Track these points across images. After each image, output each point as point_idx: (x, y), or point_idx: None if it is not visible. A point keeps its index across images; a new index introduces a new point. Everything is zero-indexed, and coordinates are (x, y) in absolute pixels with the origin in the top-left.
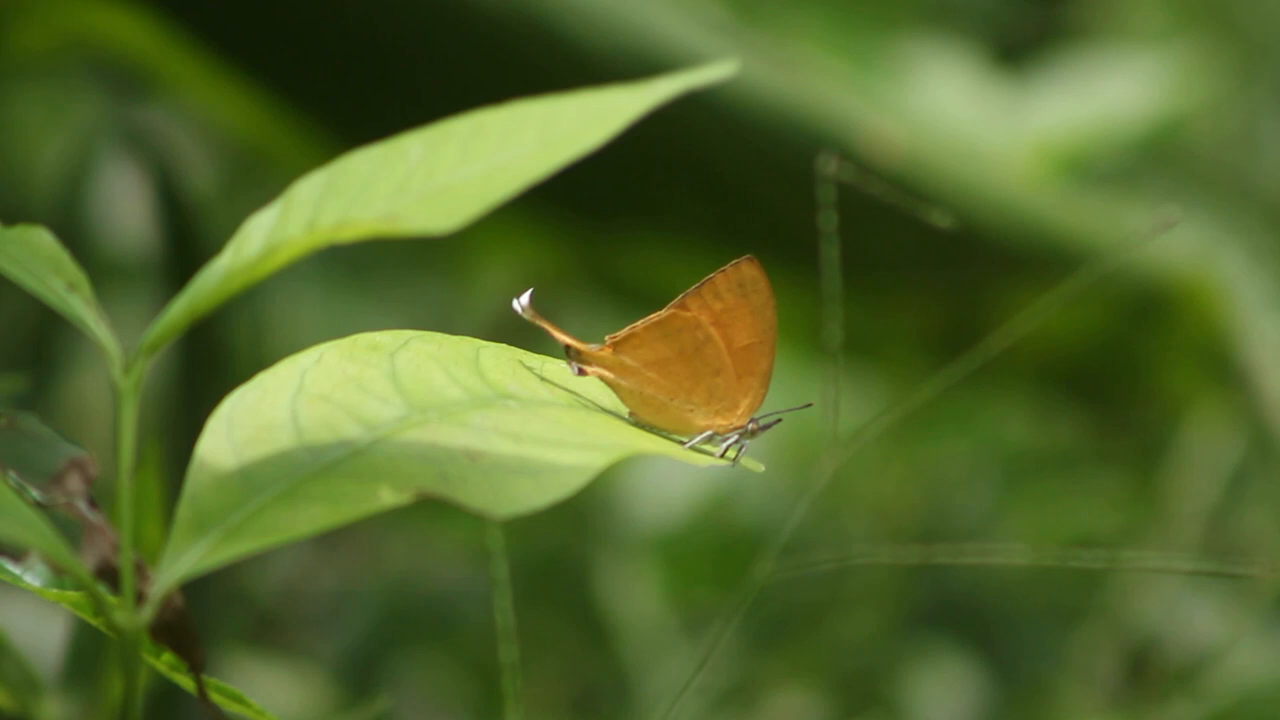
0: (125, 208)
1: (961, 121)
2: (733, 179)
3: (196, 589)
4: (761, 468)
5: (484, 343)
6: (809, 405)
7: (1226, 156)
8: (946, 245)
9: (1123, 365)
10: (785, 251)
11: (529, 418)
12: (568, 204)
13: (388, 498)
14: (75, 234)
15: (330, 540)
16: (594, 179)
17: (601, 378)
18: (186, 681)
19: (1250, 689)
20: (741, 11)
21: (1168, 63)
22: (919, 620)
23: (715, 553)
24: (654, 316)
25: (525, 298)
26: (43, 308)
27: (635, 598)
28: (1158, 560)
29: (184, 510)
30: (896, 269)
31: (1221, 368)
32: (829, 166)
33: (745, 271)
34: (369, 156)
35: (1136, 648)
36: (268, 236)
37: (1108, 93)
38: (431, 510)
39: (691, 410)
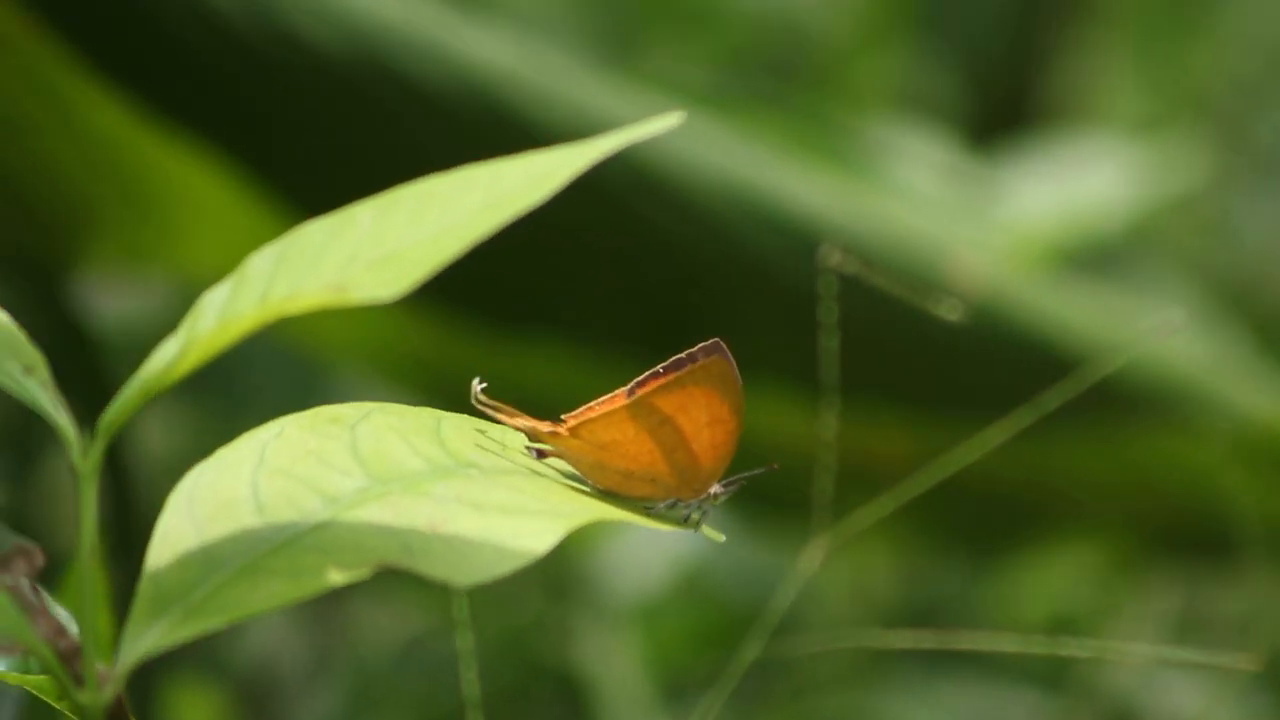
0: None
1: (935, 209)
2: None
3: (163, 663)
4: (722, 537)
5: (445, 413)
6: (773, 468)
7: (1205, 243)
8: (953, 349)
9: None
10: (779, 365)
11: (491, 486)
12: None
13: (350, 571)
14: None
15: (305, 610)
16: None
17: (561, 458)
18: None
19: None
20: (705, 105)
21: (1146, 148)
22: (896, 687)
23: (694, 623)
24: (614, 403)
25: (477, 385)
26: None
27: (614, 667)
28: (1143, 649)
29: (145, 587)
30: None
31: None
32: (832, 258)
33: (710, 355)
34: (320, 227)
35: (1114, 718)
36: (221, 311)
37: (1085, 180)
38: (406, 580)
39: (653, 481)
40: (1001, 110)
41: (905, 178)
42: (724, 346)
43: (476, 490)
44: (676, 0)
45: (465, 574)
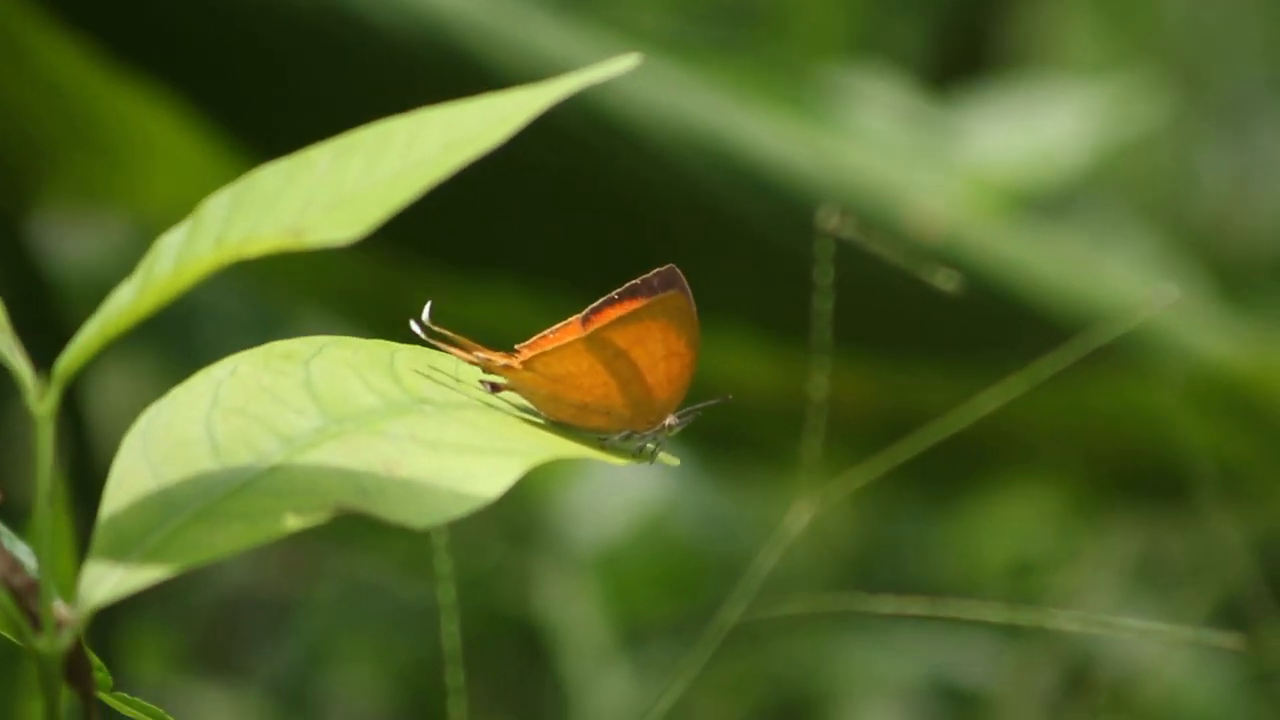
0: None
1: (894, 154)
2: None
3: (123, 608)
4: (676, 462)
5: (399, 345)
6: (727, 398)
7: (1166, 188)
8: (946, 313)
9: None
10: (771, 317)
11: (446, 422)
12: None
13: (306, 515)
14: None
15: (267, 554)
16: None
17: (515, 391)
18: (113, 701)
19: (1184, 705)
20: (664, 51)
21: (1105, 93)
22: (855, 633)
23: (657, 570)
24: (569, 335)
25: (426, 313)
26: None
27: (576, 613)
28: (1136, 625)
29: (101, 531)
30: (893, 343)
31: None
32: (830, 220)
33: (668, 289)
34: (277, 170)
35: (1074, 663)
36: (177, 254)
37: (1045, 124)
38: (369, 524)
39: (608, 414)
40: (961, 56)
41: (864, 123)
42: (681, 277)
43: (431, 427)
44: None
45: (421, 516)
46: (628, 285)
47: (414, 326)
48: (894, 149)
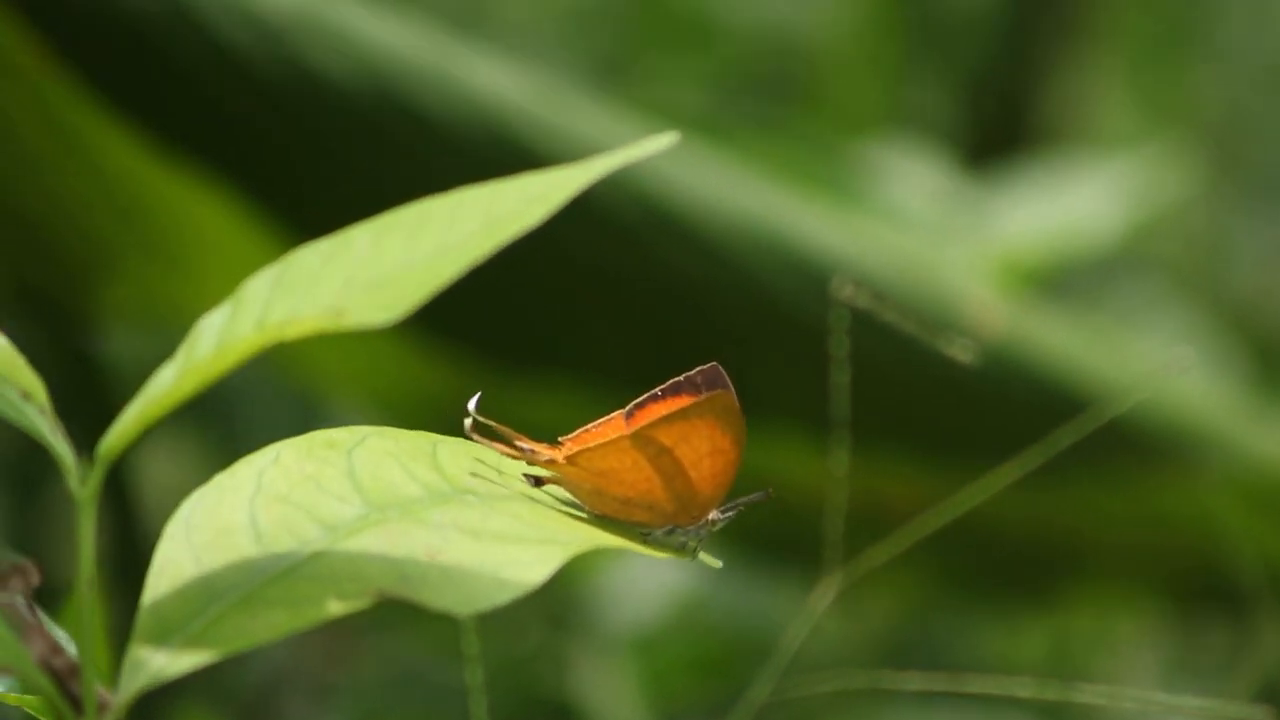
0: None
1: (927, 230)
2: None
3: (165, 693)
4: (719, 564)
5: (441, 437)
6: (768, 494)
7: (1202, 266)
8: (975, 401)
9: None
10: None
11: (488, 513)
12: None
13: (348, 601)
14: None
15: (308, 638)
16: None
17: (558, 484)
18: None
19: None
20: (699, 130)
21: (1138, 166)
22: (892, 710)
23: (693, 654)
24: (614, 430)
25: (473, 404)
26: None
27: (612, 697)
28: (1171, 699)
29: (144, 617)
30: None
31: None
32: (844, 290)
33: (714, 388)
34: (318, 250)
35: None
36: (219, 335)
37: (1077, 199)
38: (408, 608)
39: (650, 509)
40: (995, 131)
41: (898, 200)
42: (723, 374)
43: (473, 517)
44: (670, 19)
45: (463, 603)
46: (671, 382)
47: (466, 416)
48: (928, 226)
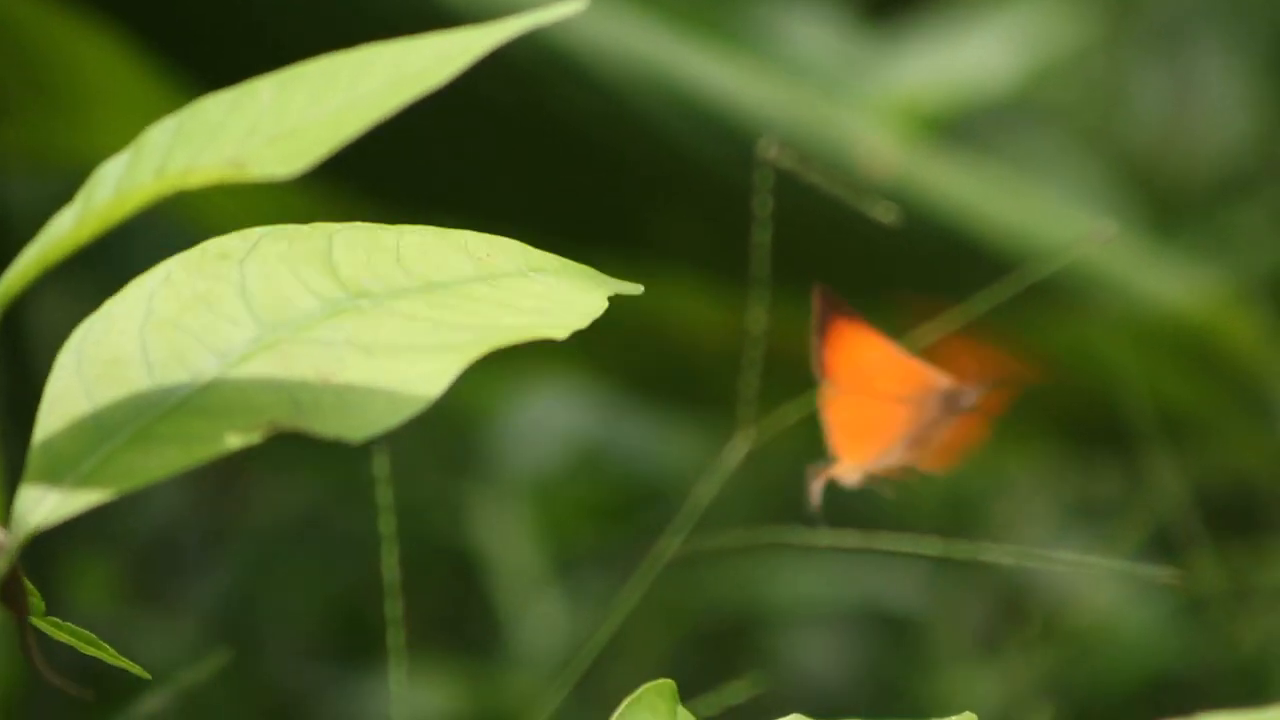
0: None
1: (828, 80)
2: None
3: (58, 534)
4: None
5: (338, 227)
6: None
7: (1101, 115)
8: (885, 249)
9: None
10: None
11: (381, 320)
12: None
13: (240, 435)
14: None
15: (202, 481)
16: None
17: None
18: (47, 625)
19: (1114, 635)
20: None
21: (1035, 13)
22: (792, 564)
23: (591, 499)
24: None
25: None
26: None
27: (509, 542)
28: (1069, 558)
29: (36, 455)
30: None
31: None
32: (769, 150)
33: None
34: (220, 101)
35: (1007, 592)
36: (118, 183)
37: (975, 47)
38: (305, 447)
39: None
40: None
41: (798, 50)
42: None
43: (366, 328)
44: None
45: (357, 428)
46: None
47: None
48: (826, 76)
